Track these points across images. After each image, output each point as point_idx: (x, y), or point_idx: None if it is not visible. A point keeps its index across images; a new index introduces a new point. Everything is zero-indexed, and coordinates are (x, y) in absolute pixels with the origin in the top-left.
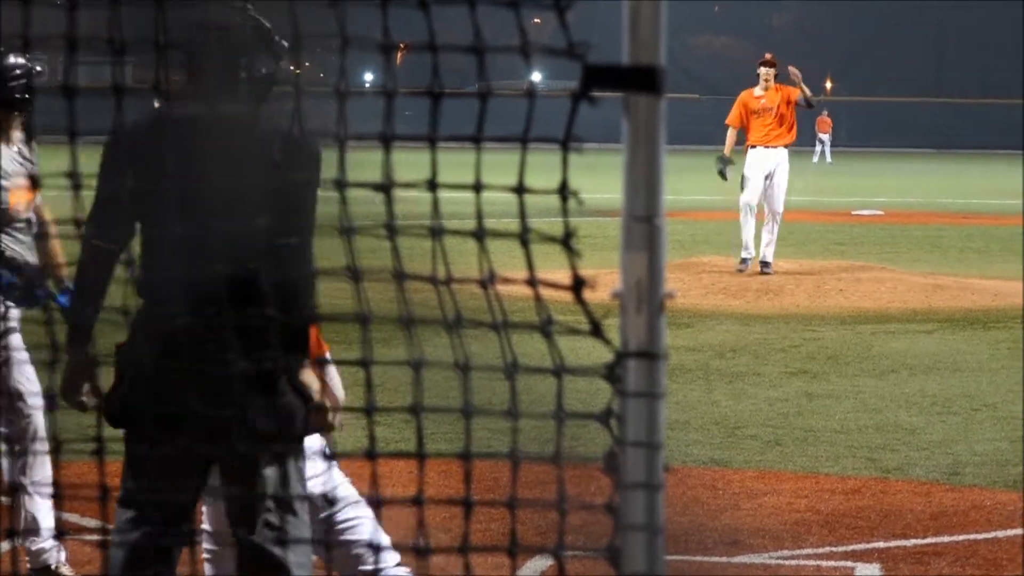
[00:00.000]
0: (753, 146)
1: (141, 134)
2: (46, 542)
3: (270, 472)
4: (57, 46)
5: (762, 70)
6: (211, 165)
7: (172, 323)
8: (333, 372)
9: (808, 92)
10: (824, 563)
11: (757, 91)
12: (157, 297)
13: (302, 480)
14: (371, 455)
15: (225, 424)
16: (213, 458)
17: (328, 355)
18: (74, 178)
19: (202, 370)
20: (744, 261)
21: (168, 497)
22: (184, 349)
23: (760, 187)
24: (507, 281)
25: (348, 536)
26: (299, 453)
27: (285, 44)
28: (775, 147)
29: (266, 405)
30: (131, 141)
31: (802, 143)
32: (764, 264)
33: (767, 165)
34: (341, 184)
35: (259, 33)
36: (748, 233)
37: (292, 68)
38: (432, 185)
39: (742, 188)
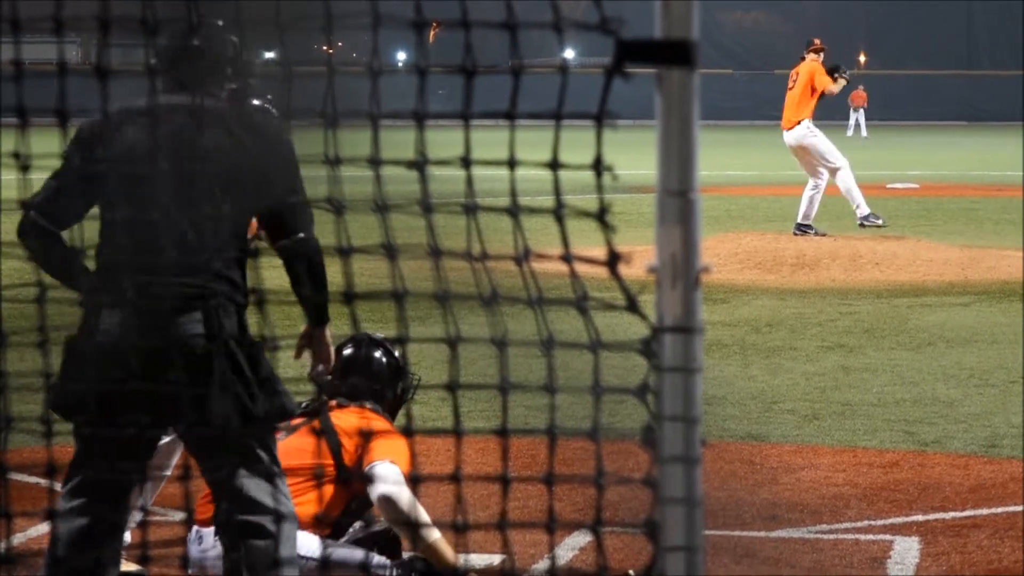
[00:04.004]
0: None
1: (106, 125)
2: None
3: (240, 452)
4: (89, 27)
5: (819, 56)
6: (170, 152)
7: (126, 302)
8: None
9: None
10: (863, 537)
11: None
12: (112, 278)
13: (272, 456)
14: (408, 432)
15: (180, 405)
16: (156, 440)
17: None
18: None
19: (157, 353)
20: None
21: (116, 477)
22: (140, 329)
23: None
24: (542, 257)
25: None
26: (265, 431)
27: (252, 66)
28: None
29: (227, 387)
30: (96, 131)
31: (836, 116)
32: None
33: None
34: (375, 162)
35: (233, 54)
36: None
37: (324, 48)
38: (466, 162)
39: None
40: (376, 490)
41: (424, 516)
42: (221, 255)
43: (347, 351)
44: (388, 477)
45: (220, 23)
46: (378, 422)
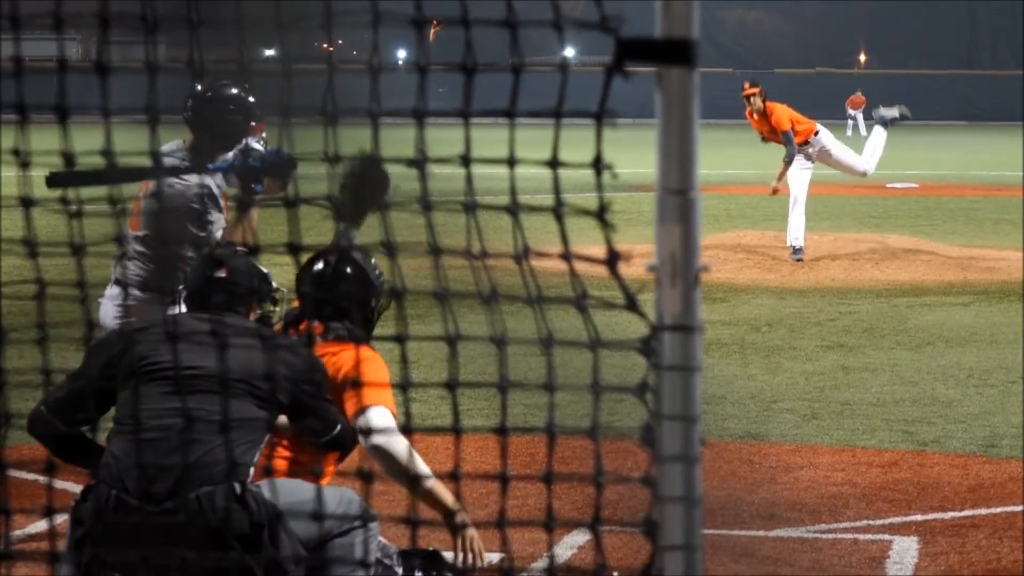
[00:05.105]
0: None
1: (124, 337)
2: None
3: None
4: (89, 24)
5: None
6: (186, 357)
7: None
8: None
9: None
10: (861, 536)
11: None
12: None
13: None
14: (408, 431)
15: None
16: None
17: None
18: (108, 155)
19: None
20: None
21: None
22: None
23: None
24: (541, 256)
25: None
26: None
27: (284, 291)
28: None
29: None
30: (115, 344)
31: (833, 116)
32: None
33: None
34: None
35: (260, 285)
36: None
37: (324, 45)
38: (466, 160)
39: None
40: (370, 440)
41: (420, 463)
42: (223, 444)
43: (316, 267)
44: (380, 425)
45: (246, 255)
46: (358, 353)
